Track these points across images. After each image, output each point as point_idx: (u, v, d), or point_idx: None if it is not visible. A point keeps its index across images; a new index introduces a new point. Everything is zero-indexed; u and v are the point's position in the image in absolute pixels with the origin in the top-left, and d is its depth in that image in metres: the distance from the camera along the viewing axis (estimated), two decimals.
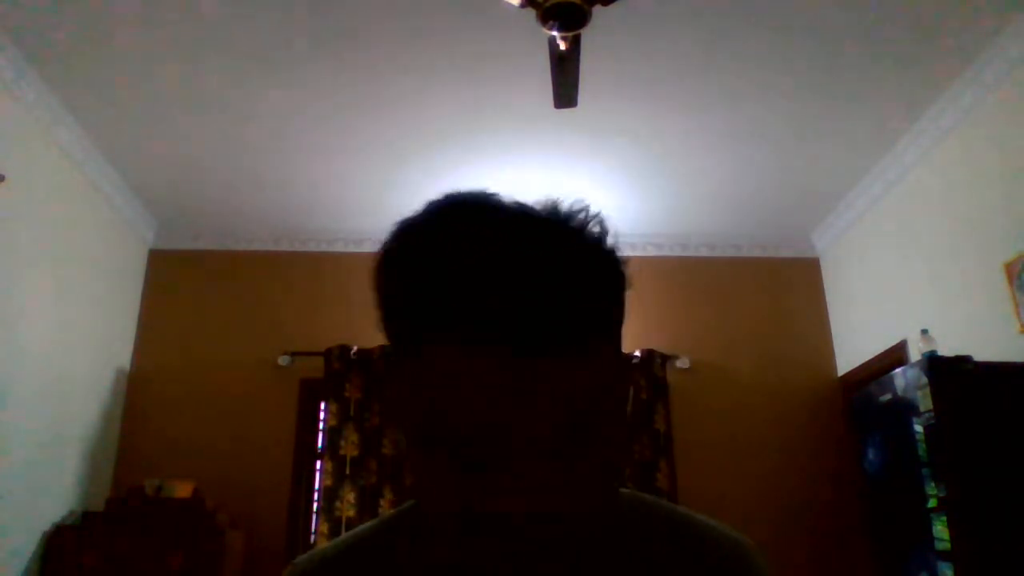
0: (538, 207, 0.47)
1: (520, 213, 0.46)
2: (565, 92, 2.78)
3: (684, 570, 0.59)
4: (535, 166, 3.89)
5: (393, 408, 0.49)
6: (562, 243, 0.45)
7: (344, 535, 0.64)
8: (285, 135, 3.64)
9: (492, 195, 0.48)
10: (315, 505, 4.17)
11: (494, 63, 3.12)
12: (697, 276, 4.70)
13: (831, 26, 2.89)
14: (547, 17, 2.29)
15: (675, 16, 2.84)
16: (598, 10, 2.32)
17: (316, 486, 4.22)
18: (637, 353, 4.32)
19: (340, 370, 4.22)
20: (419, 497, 0.52)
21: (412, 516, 0.60)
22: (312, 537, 4.11)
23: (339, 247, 4.67)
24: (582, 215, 0.47)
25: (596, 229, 0.47)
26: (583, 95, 2.88)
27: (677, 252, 4.71)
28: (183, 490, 3.76)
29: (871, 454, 3.21)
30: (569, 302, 0.43)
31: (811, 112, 3.45)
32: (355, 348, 4.26)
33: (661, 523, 0.61)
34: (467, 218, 0.46)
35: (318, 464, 4.26)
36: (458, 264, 0.43)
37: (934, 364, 2.73)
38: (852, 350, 4.34)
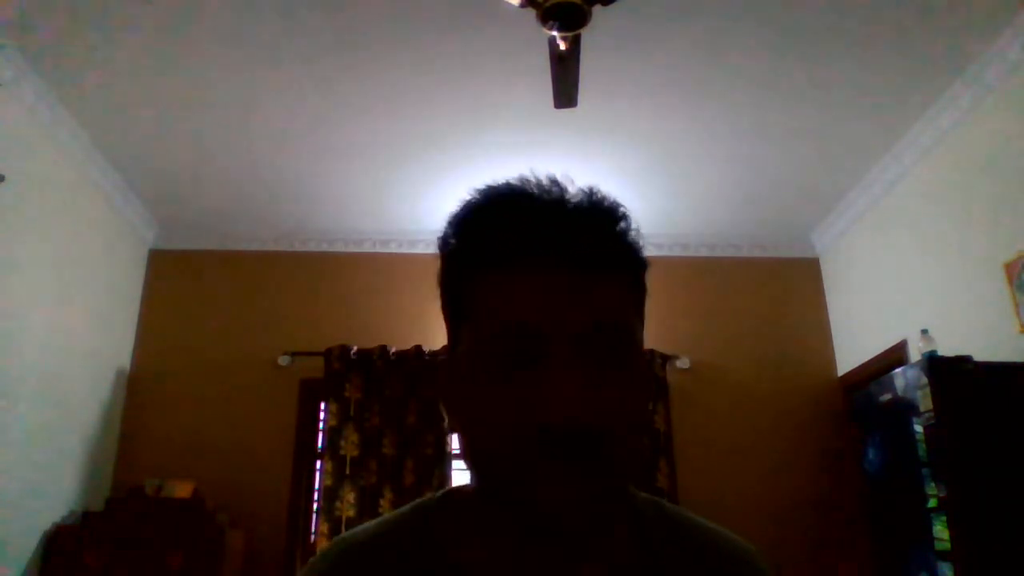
0: (571, 188, 0.61)
1: (559, 190, 0.61)
2: (565, 92, 2.78)
3: (695, 573, 0.64)
4: (535, 166, 3.87)
5: (464, 331, 0.59)
6: (588, 211, 0.60)
7: (381, 518, 0.67)
8: (285, 135, 3.64)
9: (534, 181, 0.62)
10: (315, 505, 4.17)
11: (494, 63, 3.12)
12: (697, 276, 4.70)
13: (831, 26, 2.89)
14: (547, 17, 2.29)
15: (675, 16, 2.84)
16: (598, 10, 2.32)
17: (316, 486, 4.22)
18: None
19: (340, 370, 4.22)
20: (472, 426, 0.58)
21: (445, 500, 0.66)
22: (312, 537, 4.11)
23: (339, 247, 4.67)
24: (607, 199, 0.62)
25: (620, 211, 0.62)
26: (583, 95, 2.88)
27: (677, 252, 4.71)
28: (183, 490, 3.76)
29: (871, 454, 3.21)
30: (592, 242, 0.57)
31: (811, 112, 3.44)
32: (355, 348, 4.26)
33: (676, 527, 0.67)
34: (519, 190, 0.61)
35: (318, 464, 4.26)
36: (515, 216, 0.58)
37: (934, 364, 2.73)
38: (852, 350, 4.34)
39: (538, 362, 0.53)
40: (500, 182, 0.61)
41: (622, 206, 0.62)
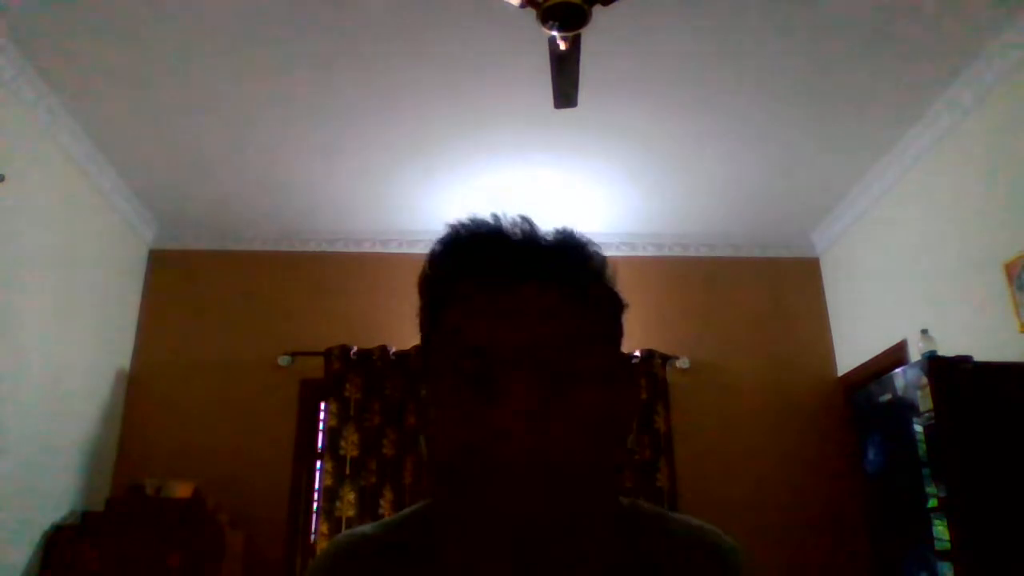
0: (546, 231, 0.62)
1: (522, 220, 0.62)
2: (565, 92, 2.78)
3: (674, 568, 0.65)
4: (535, 166, 3.89)
5: (430, 350, 0.61)
6: (549, 237, 0.61)
7: (384, 519, 0.70)
8: (285, 135, 3.64)
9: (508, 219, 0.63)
10: (315, 505, 4.17)
11: (494, 63, 3.12)
12: (697, 276, 4.70)
13: (831, 26, 2.89)
14: (547, 17, 2.29)
15: (675, 16, 2.84)
16: (598, 10, 2.31)
17: (316, 486, 4.22)
18: (637, 353, 4.32)
19: (340, 370, 4.22)
20: (431, 442, 0.60)
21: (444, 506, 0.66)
22: (312, 537, 4.11)
23: (339, 247, 4.67)
24: (579, 240, 0.63)
25: (580, 236, 0.63)
26: (583, 95, 2.88)
27: (677, 252, 4.71)
28: (183, 490, 3.76)
29: (871, 454, 3.21)
30: (544, 260, 0.59)
31: (811, 112, 3.44)
32: (355, 348, 4.26)
33: (654, 524, 0.68)
34: (486, 222, 0.62)
35: (318, 464, 4.26)
36: (477, 241, 0.60)
37: (934, 364, 2.73)
38: (852, 350, 4.34)
39: (496, 382, 0.54)
40: (471, 218, 0.62)
41: (594, 244, 0.63)
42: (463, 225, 0.62)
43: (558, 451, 0.53)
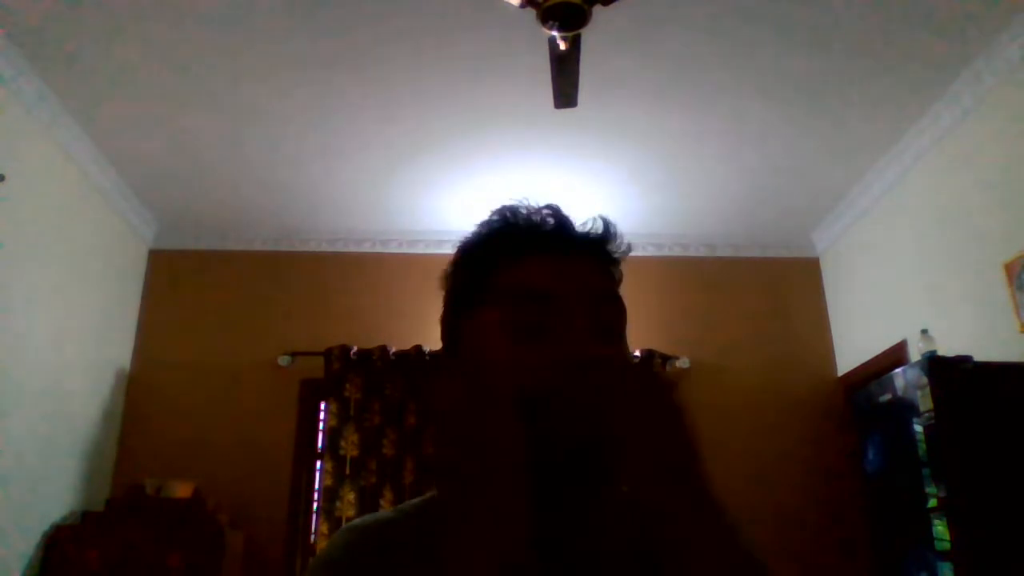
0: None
1: (565, 216, 0.73)
2: (565, 92, 2.78)
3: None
4: (535, 166, 3.89)
5: (474, 311, 0.69)
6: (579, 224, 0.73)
7: (392, 508, 0.72)
8: (285, 135, 3.64)
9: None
10: (315, 505, 4.17)
11: (494, 63, 3.12)
12: (697, 276, 4.70)
13: (831, 26, 2.89)
14: (547, 17, 2.29)
15: (675, 16, 2.84)
16: (598, 10, 2.32)
17: (316, 486, 4.22)
18: (637, 353, 4.32)
19: (340, 370, 4.22)
20: (473, 385, 0.64)
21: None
22: (312, 537, 4.11)
23: (339, 247, 4.67)
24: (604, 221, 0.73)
25: (606, 220, 0.73)
26: (583, 95, 2.88)
27: (677, 252, 4.71)
28: (183, 490, 3.76)
29: (871, 454, 3.21)
30: (585, 233, 0.71)
31: (811, 112, 3.44)
32: (355, 348, 4.26)
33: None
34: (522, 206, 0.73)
35: (318, 464, 4.26)
36: (523, 220, 0.71)
37: (934, 364, 2.73)
38: (852, 350, 4.34)
39: (559, 324, 0.63)
40: (514, 203, 0.72)
41: (612, 227, 0.73)
42: (509, 208, 0.71)
43: (607, 383, 0.59)
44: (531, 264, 0.67)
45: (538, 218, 0.70)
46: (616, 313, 0.68)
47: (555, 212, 0.71)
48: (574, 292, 0.65)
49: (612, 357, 0.63)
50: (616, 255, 0.72)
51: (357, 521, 0.69)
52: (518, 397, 0.59)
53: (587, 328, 0.63)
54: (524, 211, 0.71)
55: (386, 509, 0.77)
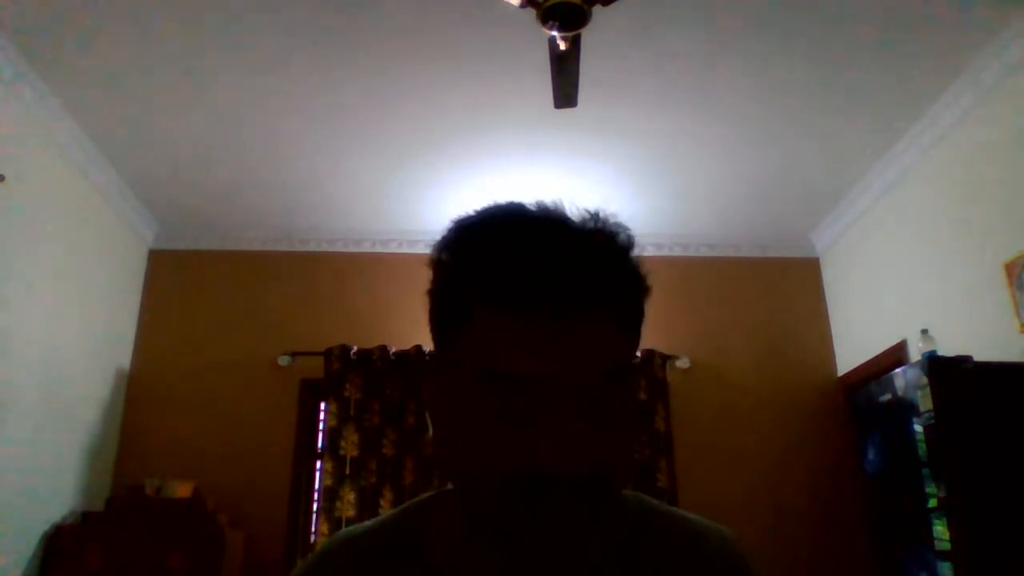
0: (573, 213, 0.57)
1: (559, 219, 0.56)
2: (565, 92, 2.78)
3: (681, 565, 0.65)
4: (535, 166, 3.89)
5: (446, 365, 0.57)
6: (589, 240, 0.55)
7: (378, 517, 0.69)
8: (285, 135, 3.64)
9: (535, 204, 0.58)
10: (315, 505, 4.17)
11: (494, 63, 3.12)
12: (697, 276, 4.70)
13: (831, 26, 2.89)
14: (547, 17, 2.29)
15: (675, 16, 2.84)
16: (598, 10, 2.32)
17: (316, 486, 4.22)
18: (637, 353, 4.31)
19: (340, 370, 4.22)
20: (444, 452, 0.58)
21: (437, 501, 0.67)
22: (312, 537, 4.11)
23: (339, 247, 4.67)
24: (610, 223, 0.57)
25: (623, 237, 0.57)
26: (583, 95, 2.88)
27: (677, 252, 4.71)
28: (183, 490, 3.76)
29: (871, 454, 3.21)
30: (594, 281, 0.53)
31: (811, 112, 3.44)
32: (355, 348, 4.26)
33: (657, 518, 0.68)
34: (515, 216, 0.57)
35: (318, 464, 4.26)
36: (509, 250, 0.53)
37: (934, 364, 2.73)
38: (852, 350, 4.34)
39: (529, 412, 0.51)
40: (497, 205, 0.57)
41: (625, 230, 0.58)
42: (491, 218, 0.56)
43: (594, 471, 0.52)
44: (510, 327, 0.52)
45: (534, 248, 0.53)
46: (622, 390, 0.54)
47: (557, 232, 0.54)
48: (560, 374, 0.51)
49: (587, 465, 0.51)
50: (621, 288, 0.56)
51: (340, 532, 0.69)
52: (493, 478, 0.52)
53: (573, 422, 0.51)
54: (518, 232, 0.55)
55: (386, 510, 0.77)
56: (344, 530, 0.69)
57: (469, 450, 0.54)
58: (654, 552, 0.65)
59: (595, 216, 0.57)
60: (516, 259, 0.53)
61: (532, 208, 0.56)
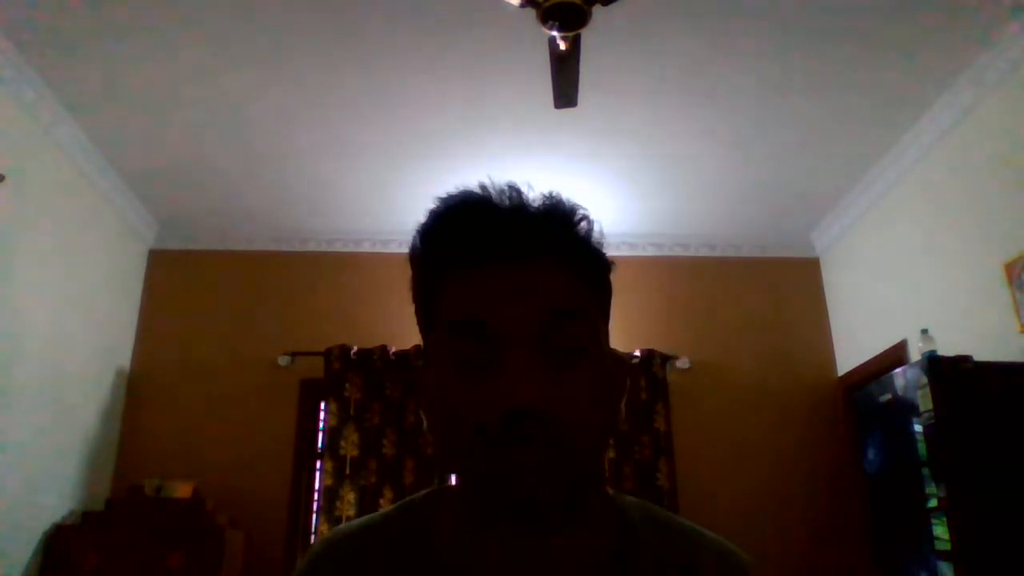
0: (527, 190, 0.63)
1: (513, 190, 0.63)
2: (565, 92, 2.78)
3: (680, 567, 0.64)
4: (535, 166, 3.89)
5: (428, 327, 0.63)
6: (541, 204, 0.62)
7: (372, 514, 0.70)
8: (285, 135, 3.64)
9: (491, 185, 0.64)
10: (315, 505, 4.17)
11: (494, 63, 3.12)
12: (697, 276, 4.70)
13: (831, 26, 2.89)
14: (547, 17, 2.29)
15: (675, 16, 2.84)
16: (598, 10, 2.32)
17: (316, 486, 4.22)
18: (637, 353, 4.32)
19: (340, 370, 4.22)
20: (432, 415, 0.62)
21: (431, 498, 0.68)
22: (312, 537, 4.11)
23: (338, 247, 4.67)
24: (561, 196, 0.63)
25: (568, 202, 0.63)
26: (583, 95, 2.88)
27: (677, 252, 4.71)
28: (183, 490, 3.76)
29: (871, 454, 3.21)
30: (542, 234, 0.60)
31: (811, 112, 3.44)
32: (355, 348, 4.26)
33: (663, 527, 0.67)
34: (474, 194, 0.62)
35: (318, 464, 4.26)
36: (469, 218, 0.61)
37: (934, 364, 2.73)
38: (852, 350, 4.34)
39: (497, 357, 0.55)
40: (460, 190, 0.63)
41: (582, 208, 0.63)
42: (452, 198, 0.62)
43: (560, 408, 0.54)
44: (472, 282, 0.58)
45: (488, 215, 0.60)
46: (577, 329, 0.58)
47: (511, 202, 0.61)
48: (518, 316, 0.56)
49: (551, 401, 0.54)
50: (576, 248, 0.61)
51: (333, 530, 0.69)
52: (473, 429, 0.55)
53: (533, 360, 0.55)
54: (466, 202, 0.61)
55: (384, 508, 0.78)
56: (343, 524, 0.70)
57: (448, 405, 0.58)
58: (657, 556, 0.64)
59: (549, 194, 0.63)
60: (476, 223, 0.60)
61: (489, 188, 0.62)
